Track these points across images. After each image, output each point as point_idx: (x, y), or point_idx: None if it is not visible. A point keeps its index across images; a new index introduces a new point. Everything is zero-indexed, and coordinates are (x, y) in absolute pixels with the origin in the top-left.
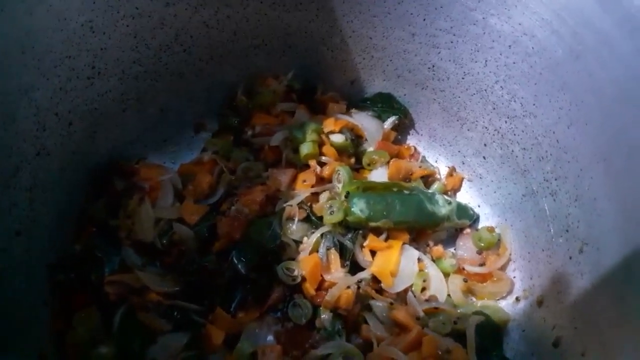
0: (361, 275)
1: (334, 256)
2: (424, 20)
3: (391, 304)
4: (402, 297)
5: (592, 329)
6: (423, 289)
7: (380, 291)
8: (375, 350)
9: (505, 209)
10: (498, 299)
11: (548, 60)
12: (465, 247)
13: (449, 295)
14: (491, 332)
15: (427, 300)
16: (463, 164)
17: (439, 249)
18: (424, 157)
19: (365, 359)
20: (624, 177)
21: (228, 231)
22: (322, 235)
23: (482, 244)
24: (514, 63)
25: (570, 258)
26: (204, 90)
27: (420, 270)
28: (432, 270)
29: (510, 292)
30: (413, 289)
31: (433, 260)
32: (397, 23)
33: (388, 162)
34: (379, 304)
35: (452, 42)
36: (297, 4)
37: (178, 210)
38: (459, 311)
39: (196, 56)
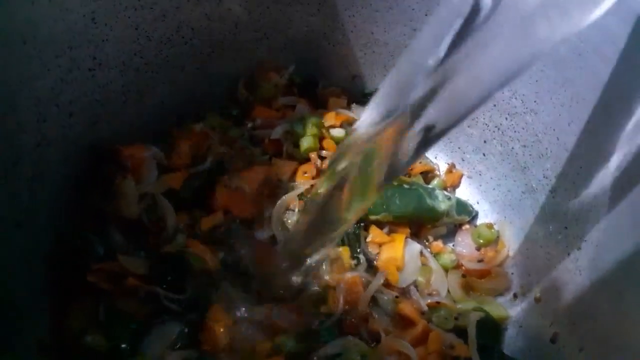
0: (378, 281)
1: (343, 249)
2: (426, 15)
3: (397, 297)
4: (405, 290)
5: (590, 324)
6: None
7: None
8: (383, 341)
9: (505, 206)
10: (496, 296)
11: (550, 57)
12: (464, 243)
13: (448, 291)
14: (491, 328)
15: (429, 295)
16: (463, 160)
17: (438, 244)
18: None
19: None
20: (624, 174)
21: (226, 204)
22: None
23: (481, 240)
24: None
25: (569, 255)
26: (204, 83)
27: (423, 264)
28: (434, 265)
29: (508, 289)
30: (417, 283)
31: (433, 255)
32: (399, 18)
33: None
34: (384, 297)
35: None
36: None
37: (162, 184)
38: (459, 307)
39: (197, 49)
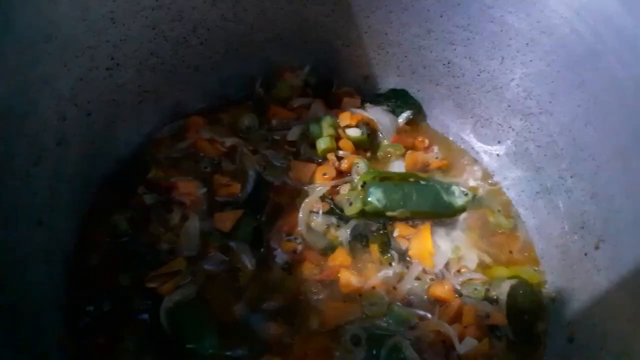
0: (415, 271)
1: (372, 247)
2: (441, 16)
3: (432, 279)
4: (439, 273)
5: (609, 324)
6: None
7: None
8: (422, 324)
9: (518, 206)
10: None
11: (566, 59)
12: None
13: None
14: (527, 292)
15: (458, 272)
16: (476, 160)
17: None
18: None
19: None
20: None
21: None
22: (353, 227)
23: (500, 231)
24: (531, 61)
25: (586, 254)
26: (218, 83)
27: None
28: (462, 237)
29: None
30: (449, 261)
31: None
32: (413, 19)
33: (403, 155)
34: (416, 284)
35: (468, 39)
36: None
37: (210, 223)
38: (492, 277)
39: (212, 49)
